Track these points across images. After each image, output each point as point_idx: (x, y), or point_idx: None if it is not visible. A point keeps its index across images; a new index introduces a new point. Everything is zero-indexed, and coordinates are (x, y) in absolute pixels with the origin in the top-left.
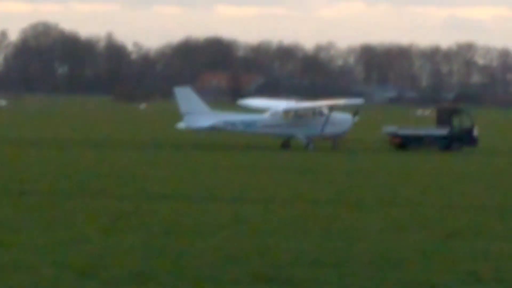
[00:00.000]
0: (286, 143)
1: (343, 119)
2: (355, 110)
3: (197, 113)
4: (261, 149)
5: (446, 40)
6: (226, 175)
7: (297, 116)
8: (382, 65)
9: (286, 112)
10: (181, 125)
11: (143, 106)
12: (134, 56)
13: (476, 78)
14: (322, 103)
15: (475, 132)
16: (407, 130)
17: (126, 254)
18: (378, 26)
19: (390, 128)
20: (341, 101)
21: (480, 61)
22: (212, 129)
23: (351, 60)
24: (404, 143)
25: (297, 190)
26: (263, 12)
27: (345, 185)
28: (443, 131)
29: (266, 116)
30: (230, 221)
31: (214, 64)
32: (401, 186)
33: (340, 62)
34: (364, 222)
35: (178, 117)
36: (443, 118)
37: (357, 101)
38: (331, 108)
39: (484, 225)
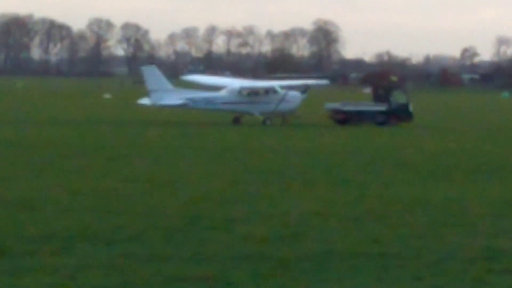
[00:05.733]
0: (237, 119)
1: (294, 96)
2: (303, 88)
3: (162, 90)
4: None
5: None
6: None
7: (252, 93)
8: None
9: (242, 89)
10: (146, 101)
11: None
12: None
13: None
14: (278, 82)
15: (411, 108)
16: (349, 106)
17: None
18: None
19: (333, 105)
20: (309, 81)
21: None
22: (177, 106)
23: None
24: (347, 119)
25: None
26: None
27: None
28: (382, 107)
29: (223, 93)
30: None
31: None
32: None
33: None
34: None
35: None
36: (380, 94)
37: (323, 82)
38: (288, 86)
39: None
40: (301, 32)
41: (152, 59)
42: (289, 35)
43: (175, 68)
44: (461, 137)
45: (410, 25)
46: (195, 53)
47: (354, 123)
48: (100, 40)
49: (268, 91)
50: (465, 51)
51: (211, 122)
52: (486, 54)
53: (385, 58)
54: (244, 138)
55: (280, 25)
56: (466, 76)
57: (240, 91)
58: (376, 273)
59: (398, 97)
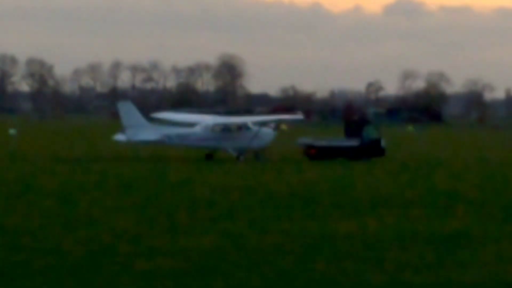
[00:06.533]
0: (209, 155)
1: (267, 133)
2: (275, 124)
3: (137, 126)
4: None
5: None
6: None
7: (226, 130)
8: None
9: (216, 126)
10: (121, 137)
11: None
12: None
13: None
14: (251, 118)
15: (383, 143)
16: (322, 141)
17: None
18: None
19: (305, 140)
20: (285, 117)
21: None
22: (153, 142)
23: None
24: (319, 154)
25: None
26: None
27: None
28: (354, 142)
29: (197, 129)
30: None
31: None
32: None
33: None
34: None
35: None
36: (352, 129)
37: (299, 117)
38: (262, 123)
39: None
40: (206, 67)
41: (57, 94)
42: (194, 70)
43: (80, 103)
44: (366, 171)
45: (314, 59)
46: (100, 88)
47: (326, 159)
48: (4, 76)
49: (241, 127)
50: (370, 85)
51: (121, 157)
52: (391, 88)
53: (290, 92)
54: (151, 172)
55: (184, 60)
56: (371, 110)
57: (213, 127)
58: None
59: (370, 133)
